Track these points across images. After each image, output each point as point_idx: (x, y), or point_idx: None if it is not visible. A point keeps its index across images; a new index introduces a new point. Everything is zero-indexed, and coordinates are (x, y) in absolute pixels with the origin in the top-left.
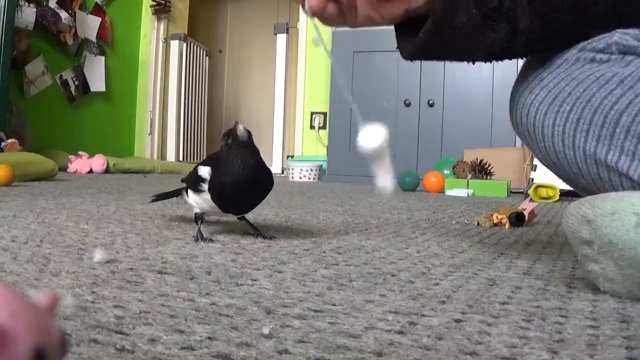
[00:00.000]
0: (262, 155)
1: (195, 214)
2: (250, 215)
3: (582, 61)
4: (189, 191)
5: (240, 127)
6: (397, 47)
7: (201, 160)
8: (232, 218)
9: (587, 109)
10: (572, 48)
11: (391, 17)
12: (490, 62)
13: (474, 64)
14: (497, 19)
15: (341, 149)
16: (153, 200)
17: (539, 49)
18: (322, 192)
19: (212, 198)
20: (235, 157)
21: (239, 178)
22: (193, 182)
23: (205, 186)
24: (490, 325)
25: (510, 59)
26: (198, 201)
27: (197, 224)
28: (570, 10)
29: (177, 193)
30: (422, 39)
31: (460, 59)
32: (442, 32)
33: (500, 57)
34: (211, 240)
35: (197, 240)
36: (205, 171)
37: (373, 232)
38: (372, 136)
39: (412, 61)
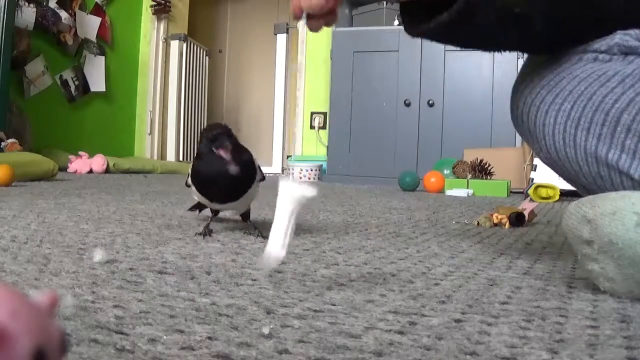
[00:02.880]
0: (261, 155)
1: (198, 203)
2: (252, 216)
3: (585, 61)
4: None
5: (233, 168)
6: (400, 18)
7: None
8: (235, 216)
9: (588, 107)
10: (573, 49)
11: None
12: (492, 52)
13: (474, 50)
14: (513, 24)
15: (341, 149)
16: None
17: (546, 49)
18: (322, 192)
19: (196, 189)
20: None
21: (212, 167)
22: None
23: (189, 180)
24: (490, 325)
25: (515, 51)
26: (194, 194)
27: (197, 212)
28: (584, 21)
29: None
30: (432, 29)
31: (464, 48)
32: (455, 27)
33: (503, 51)
34: (210, 236)
35: (204, 235)
36: (190, 166)
37: (373, 232)
38: (294, 191)
39: (413, 38)
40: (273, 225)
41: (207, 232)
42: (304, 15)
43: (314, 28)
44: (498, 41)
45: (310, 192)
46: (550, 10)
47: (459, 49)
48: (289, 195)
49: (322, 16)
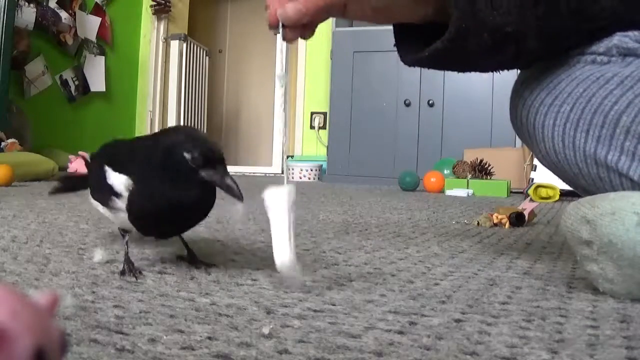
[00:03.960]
0: (261, 155)
1: (119, 228)
2: (189, 233)
3: (583, 63)
4: (95, 201)
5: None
6: (396, 49)
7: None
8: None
9: (587, 109)
10: (572, 50)
11: (382, 23)
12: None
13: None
14: (507, 43)
15: (341, 149)
16: (55, 192)
17: (537, 61)
18: (322, 192)
19: (130, 219)
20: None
21: (183, 204)
22: (100, 191)
23: (121, 204)
24: (490, 325)
25: (508, 70)
26: (108, 215)
27: (123, 237)
28: (576, 33)
29: (83, 184)
30: (427, 57)
31: (461, 71)
32: (450, 53)
33: (499, 71)
34: (141, 274)
35: (122, 273)
36: (121, 183)
37: (373, 232)
38: (278, 197)
39: (410, 67)
40: (273, 237)
41: (133, 270)
42: (280, 24)
43: (288, 39)
44: (495, 62)
45: (292, 191)
46: (543, 26)
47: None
48: (278, 202)
49: (298, 27)
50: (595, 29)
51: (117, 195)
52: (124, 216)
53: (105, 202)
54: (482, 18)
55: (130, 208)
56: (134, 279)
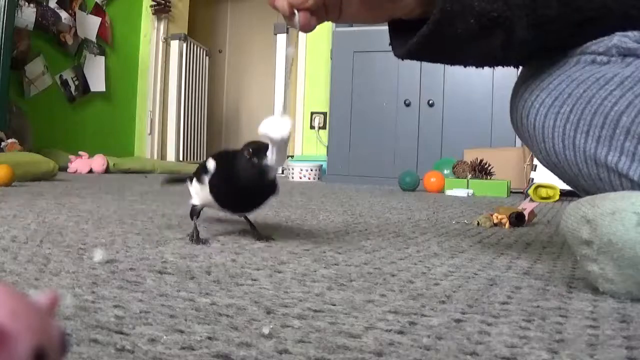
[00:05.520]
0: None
1: (193, 206)
2: (251, 215)
3: (583, 63)
4: (193, 180)
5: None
6: (390, 44)
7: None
8: (233, 215)
9: (587, 110)
10: (571, 50)
11: (377, 20)
12: (482, 68)
13: (465, 67)
14: (494, 30)
15: (341, 149)
16: (166, 183)
17: (533, 58)
18: (322, 192)
19: (211, 192)
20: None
21: (241, 181)
22: (199, 171)
23: (207, 178)
24: (490, 325)
25: (503, 67)
26: (198, 192)
27: (192, 219)
28: (566, 24)
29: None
30: (415, 43)
31: (453, 63)
32: (437, 39)
33: (492, 65)
34: (207, 242)
35: (192, 240)
36: (212, 164)
37: (373, 232)
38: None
39: (403, 60)
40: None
41: (196, 237)
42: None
43: (302, 22)
44: (485, 51)
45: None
46: (530, 14)
47: (449, 64)
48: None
49: (307, 12)
50: (585, 20)
51: (207, 171)
52: (207, 190)
53: (199, 178)
54: (467, 3)
55: (210, 181)
56: (200, 245)
